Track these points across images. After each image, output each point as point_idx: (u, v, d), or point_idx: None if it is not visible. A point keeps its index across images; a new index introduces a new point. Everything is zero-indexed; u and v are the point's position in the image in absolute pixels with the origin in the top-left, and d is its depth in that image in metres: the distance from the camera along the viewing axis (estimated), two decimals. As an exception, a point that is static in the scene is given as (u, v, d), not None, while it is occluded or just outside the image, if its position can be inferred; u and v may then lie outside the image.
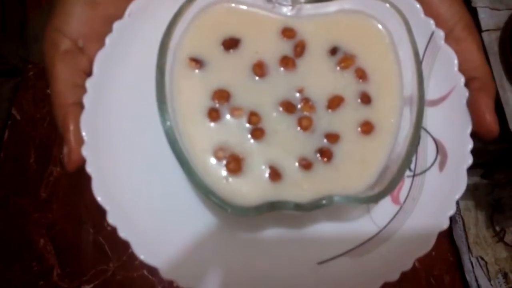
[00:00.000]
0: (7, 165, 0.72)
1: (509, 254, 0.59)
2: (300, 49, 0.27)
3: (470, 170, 0.27)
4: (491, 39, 0.49)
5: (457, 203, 0.60)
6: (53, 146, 0.72)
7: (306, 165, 0.25)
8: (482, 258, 0.59)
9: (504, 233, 0.59)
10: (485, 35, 0.49)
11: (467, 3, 0.50)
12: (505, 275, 0.58)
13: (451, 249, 0.64)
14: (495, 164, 0.53)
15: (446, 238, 0.64)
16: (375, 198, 0.23)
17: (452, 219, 0.62)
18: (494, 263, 0.59)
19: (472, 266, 0.59)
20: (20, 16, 0.74)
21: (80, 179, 0.69)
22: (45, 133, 0.72)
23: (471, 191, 0.60)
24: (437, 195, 0.27)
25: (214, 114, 0.26)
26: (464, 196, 0.63)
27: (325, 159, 0.26)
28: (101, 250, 0.66)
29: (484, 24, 0.49)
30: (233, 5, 0.27)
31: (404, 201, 0.28)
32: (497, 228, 0.59)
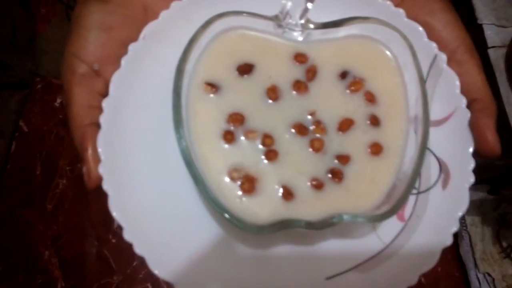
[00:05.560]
0: (13, 176, 0.72)
1: (516, 271, 0.59)
2: (312, 73, 0.28)
3: (477, 185, 0.28)
4: (497, 56, 0.49)
5: (463, 218, 0.60)
6: (59, 158, 0.73)
7: (317, 185, 0.26)
8: (489, 275, 0.58)
9: (511, 249, 0.59)
10: (491, 51, 0.50)
11: (473, 20, 0.51)
12: (513, 292, 0.58)
13: (457, 265, 0.64)
14: (501, 180, 0.54)
15: (453, 254, 0.64)
16: (383, 217, 0.24)
17: (458, 234, 0.62)
18: (501, 279, 0.58)
19: (479, 283, 0.59)
20: (29, 31, 0.75)
21: (85, 192, 0.70)
22: (52, 145, 0.73)
23: (477, 207, 0.60)
24: (441, 213, 0.28)
25: (229, 136, 0.27)
26: (471, 212, 0.63)
27: (336, 179, 0.27)
28: (106, 263, 0.66)
29: (490, 41, 0.50)
30: (245, 31, 0.28)
31: (409, 218, 0.28)
32: (504, 244, 0.59)
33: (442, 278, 0.64)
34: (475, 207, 0.60)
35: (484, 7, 0.52)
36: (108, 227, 0.68)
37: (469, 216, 0.61)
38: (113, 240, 0.68)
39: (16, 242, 0.70)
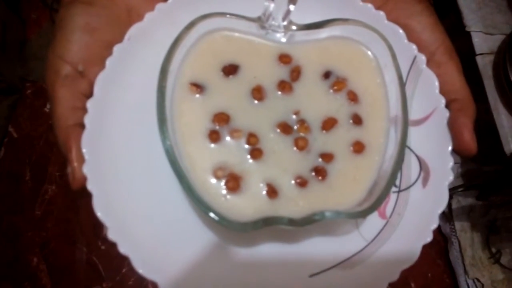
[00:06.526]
0: (2, 182, 0.72)
1: (505, 276, 0.59)
2: (296, 73, 0.29)
3: (466, 191, 0.28)
4: (485, 63, 0.50)
5: (453, 224, 0.60)
6: (48, 164, 0.72)
7: (301, 182, 0.27)
8: (479, 280, 0.58)
9: (500, 255, 0.59)
10: (479, 58, 0.50)
11: (462, 28, 0.52)
12: (502, 298, 0.57)
13: (447, 270, 0.64)
14: (490, 186, 0.53)
15: (442, 259, 0.64)
16: (364, 213, 0.25)
17: (448, 240, 0.63)
18: (490, 285, 0.58)
19: (469, 288, 0.59)
20: (20, 36, 0.75)
21: (75, 198, 0.69)
22: (41, 151, 0.73)
23: (466, 213, 0.60)
24: (421, 210, 0.28)
25: (214, 136, 0.27)
26: (460, 217, 0.63)
27: (320, 177, 0.27)
28: (95, 269, 0.66)
29: (478, 48, 0.51)
30: (229, 32, 0.29)
31: (390, 216, 0.29)
32: (493, 250, 0.59)
33: (433, 284, 0.64)
34: (464, 212, 0.61)
35: (472, 14, 0.52)
36: (97, 234, 0.68)
37: (459, 222, 0.61)
38: (103, 247, 0.67)
39: (4, 249, 0.69)
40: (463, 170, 0.60)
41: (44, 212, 0.70)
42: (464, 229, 0.61)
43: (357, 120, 0.29)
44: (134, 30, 0.29)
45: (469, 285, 0.59)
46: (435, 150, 0.29)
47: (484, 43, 0.51)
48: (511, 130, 0.48)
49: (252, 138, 0.27)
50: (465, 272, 0.60)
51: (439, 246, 0.65)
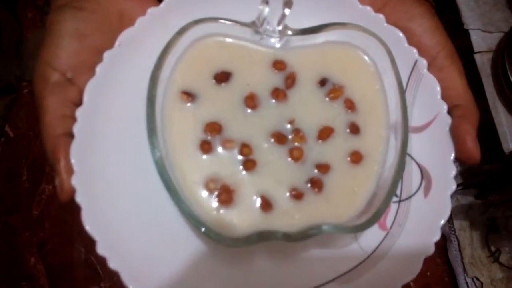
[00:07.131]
0: (-2, 182, 0.71)
1: (505, 275, 0.58)
2: (291, 81, 0.28)
3: (465, 190, 0.27)
4: (484, 61, 0.49)
5: (452, 223, 0.60)
6: (46, 164, 0.72)
7: (297, 195, 0.26)
8: (478, 279, 0.58)
9: (499, 253, 0.59)
10: (477, 56, 0.50)
11: (460, 26, 0.51)
12: (501, 297, 0.57)
13: (446, 269, 0.63)
14: (489, 184, 0.53)
15: (442, 258, 0.64)
16: (362, 227, 0.24)
17: (447, 239, 0.62)
18: (490, 284, 0.58)
19: (468, 287, 0.59)
20: (16, 35, 0.74)
21: (72, 198, 0.69)
22: (38, 150, 0.72)
23: (465, 211, 0.60)
24: (423, 221, 0.27)
25: (206, 147, 0.26)
26: (459, 216, 0.63)
27: (316, 189, 0.26)
28: (93, 269, 0.65)
29: (476, 46, 0.50)
30: (222, 38, 0.28)
31: (391, 227, 0.28)
32: (493, 248, 0.59)
33: (432, 283, 0.63)
34: (463, 211, 0.60)
35: (470, 12, 0.52)
36: (95, 234, 0.67)
37: (458, 220, 0.61)
38: (101, 246, 0.67)
39: (1, 249, 0.69)
40: (462, 168, 0.60)
41: (41, 212, 0.70)
42: (463, 227, 0.61)
43: (354, 129, 0.28)
44: (125, 36, 0.28)
45: (468, 284, 0.59)
46: (437, 158, 0.28)
47: (482, 41, 0.51)
48: (510, 128, 0.47)
49: (245, 149, 0.26)
50: (464, 270, 0.59)
51: (438, 245, 0.64)
